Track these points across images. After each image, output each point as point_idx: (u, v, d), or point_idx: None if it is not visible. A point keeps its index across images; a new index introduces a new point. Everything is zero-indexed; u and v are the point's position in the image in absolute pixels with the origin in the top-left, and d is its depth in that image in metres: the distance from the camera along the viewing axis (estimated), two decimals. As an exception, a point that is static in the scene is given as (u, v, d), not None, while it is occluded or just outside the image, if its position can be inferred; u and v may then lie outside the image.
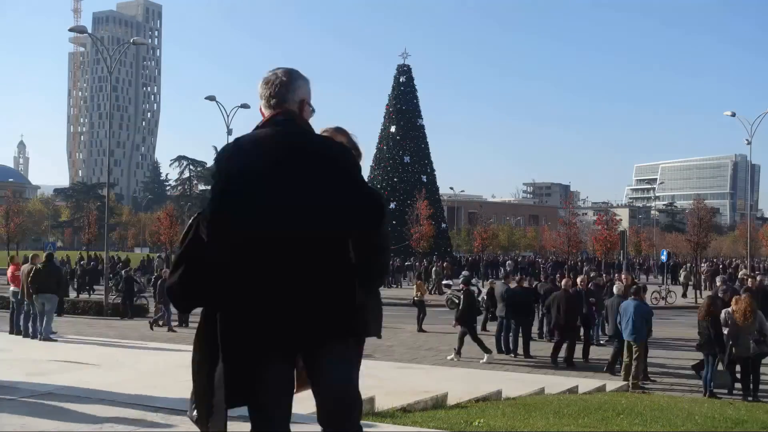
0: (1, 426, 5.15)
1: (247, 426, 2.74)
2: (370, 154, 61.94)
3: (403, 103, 61.77)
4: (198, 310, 2.85)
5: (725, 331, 11.73)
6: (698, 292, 33.54)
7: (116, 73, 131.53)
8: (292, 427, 2.76)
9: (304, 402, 2.98)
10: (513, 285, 16.79)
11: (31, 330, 15.11)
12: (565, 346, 14.78)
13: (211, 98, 36.34)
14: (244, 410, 2.73)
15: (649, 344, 13.62)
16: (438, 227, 56.64)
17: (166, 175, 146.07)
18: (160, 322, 20.19)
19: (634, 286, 14.04)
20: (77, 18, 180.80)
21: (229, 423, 2.74)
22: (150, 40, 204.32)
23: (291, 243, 2.60)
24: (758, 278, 18.75)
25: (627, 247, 44.03)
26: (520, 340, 15.76)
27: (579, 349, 15.13)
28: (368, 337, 3.24)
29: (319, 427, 2.75)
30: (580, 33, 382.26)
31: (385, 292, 22.16)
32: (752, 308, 11.66)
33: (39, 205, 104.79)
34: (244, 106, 37.59)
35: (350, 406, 2.75)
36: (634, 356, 12.47)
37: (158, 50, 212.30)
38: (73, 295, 30.12)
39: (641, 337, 12.53)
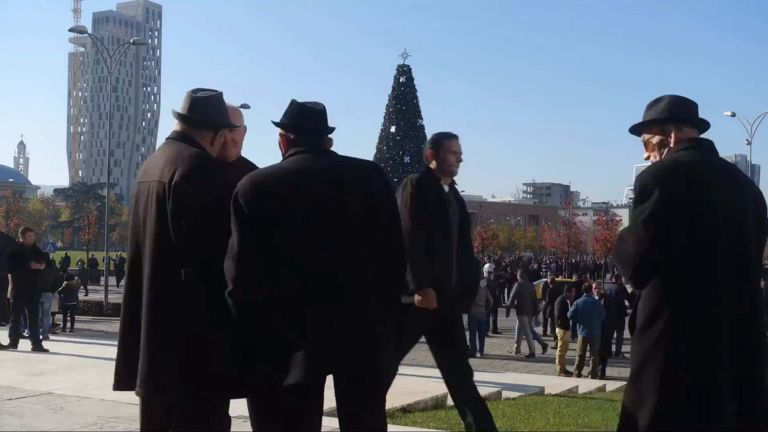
0: (1, 426, 5.16)
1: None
2: (371, 154, 62.00)
3: (403, 103, 61.78)
4: None
5: None
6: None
7: (116, 73, 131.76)
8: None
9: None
10: None
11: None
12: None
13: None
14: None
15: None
16: (438, 227, 56.63)
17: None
18: None
19: (585, 284, 14.91)
20: (77, 18, 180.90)
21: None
22: (150, 40, 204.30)
23: None
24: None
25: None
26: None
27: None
28: None
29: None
30: (580, 33, 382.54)
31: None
32: None
33: (39, 205, 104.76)
34: (244, 106, 37.59)
35: None
36: (589, 350, 13.31)
37: (158, 50, 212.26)
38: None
39: (596, 332, 13.29)
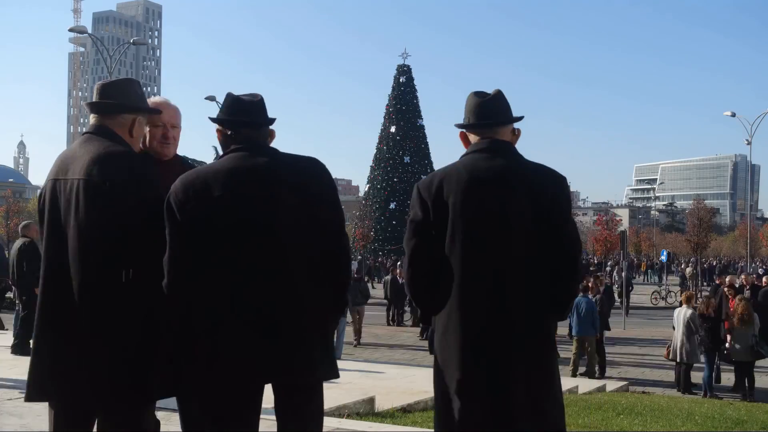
0: (1, 426, 5.15)
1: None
2: (370, 154, 61.98)
3: (403, 103, 61.75)
4: None
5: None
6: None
7: (116, 73, 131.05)
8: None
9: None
10: None
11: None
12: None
13: (211, 98, 36.28)
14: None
15: (649, 343, 13.68)
16: (438, 227, 56.57)
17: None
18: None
19: (583, 283, 14.83)
20: (77, 18, 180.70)
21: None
22: (150, 40, 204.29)
23: None
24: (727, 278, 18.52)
25: (627, 248, 44.10)
26: None
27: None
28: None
29: None
30: (580, 33, 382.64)
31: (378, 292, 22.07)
32: (748, 311, 11.61)
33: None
34: (244, 106, 37.54)
35: None
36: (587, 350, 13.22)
37: (158, 50, 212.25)
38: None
39: (590, 332, 13.16)
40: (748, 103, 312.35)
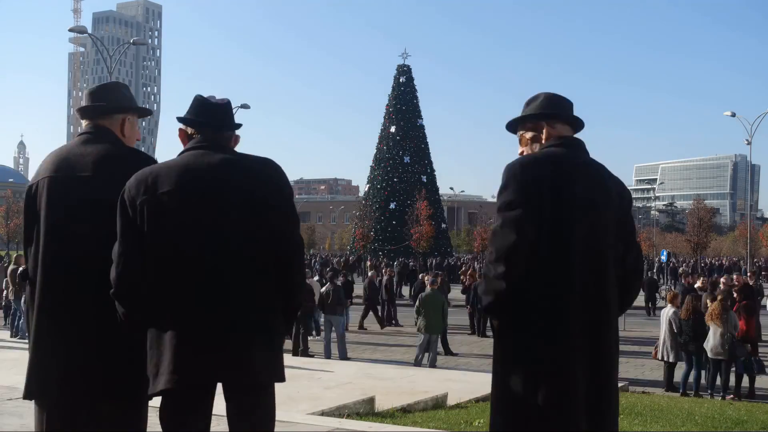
0: (2, 426, 5.15)
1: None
2: (371, 154, 61.98)
3: (403, 103, 61.74)
4: None
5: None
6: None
7: (116, 73, 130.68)
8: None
9: (300, 403, 2.98)
10: None
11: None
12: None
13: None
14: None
15: (649, 343, 13.58)
16: (438, 227, 56.60)
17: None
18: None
19: None
20: (77, 18, 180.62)
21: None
22: (150, 40, 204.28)
23: None
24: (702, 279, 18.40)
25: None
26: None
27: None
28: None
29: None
30: (580, 30, 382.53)
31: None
32: (722, 310, 11.51)
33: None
34: (244, 106, 37.57)
35: None
36: None
37: (158, 50, 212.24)
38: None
39: None
40: (748, 103, 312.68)
